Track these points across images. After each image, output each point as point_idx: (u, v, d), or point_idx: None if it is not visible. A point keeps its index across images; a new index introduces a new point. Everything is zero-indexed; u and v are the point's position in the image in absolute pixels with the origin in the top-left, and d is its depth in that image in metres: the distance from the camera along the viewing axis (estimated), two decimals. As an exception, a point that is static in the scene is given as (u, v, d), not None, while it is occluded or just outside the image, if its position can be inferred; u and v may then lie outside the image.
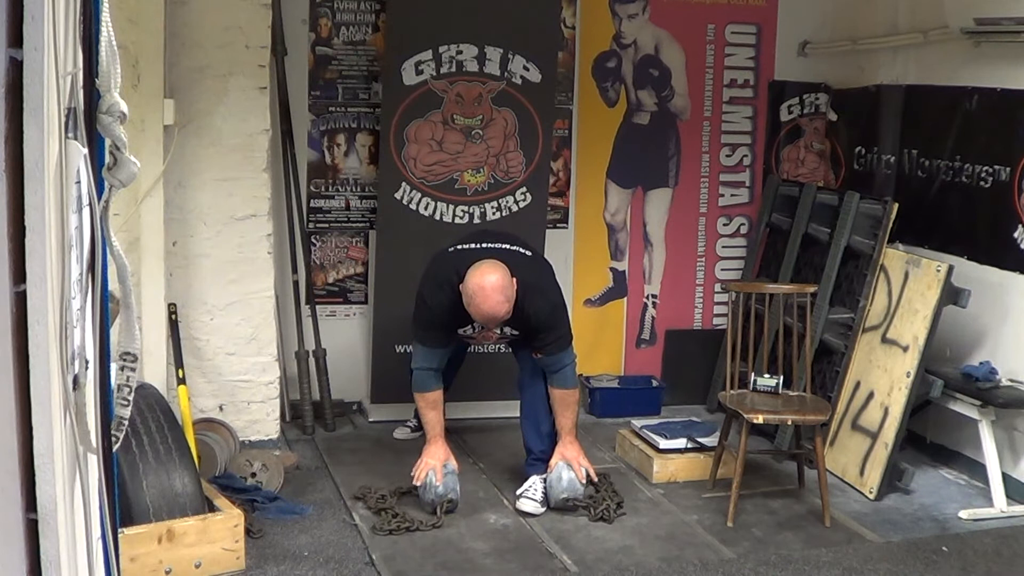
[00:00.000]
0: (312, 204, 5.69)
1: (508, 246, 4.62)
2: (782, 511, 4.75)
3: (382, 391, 5.69)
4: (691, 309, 6.29)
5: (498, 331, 4.61)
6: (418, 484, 4.57)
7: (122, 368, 1.82)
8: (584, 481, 4.65)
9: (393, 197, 5.55)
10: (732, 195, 6.27)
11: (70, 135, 1.61)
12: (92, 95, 1.72)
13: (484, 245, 4.60)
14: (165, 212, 4.78)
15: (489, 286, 4.30)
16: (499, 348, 5.43)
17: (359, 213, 5.77)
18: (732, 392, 4.83)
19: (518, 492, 4.69)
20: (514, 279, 4.40)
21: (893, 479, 4.92)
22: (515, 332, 4.62)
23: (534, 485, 4.67)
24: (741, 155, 6.26)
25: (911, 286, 5.02)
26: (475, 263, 4.41)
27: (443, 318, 4.55)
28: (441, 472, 4.55)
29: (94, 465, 1.84)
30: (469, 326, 4.59)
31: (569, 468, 4.64)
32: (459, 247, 4.64)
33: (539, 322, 4.53)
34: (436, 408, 4.64)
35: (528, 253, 4.67)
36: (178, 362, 4.85)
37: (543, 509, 4.63)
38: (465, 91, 5.54)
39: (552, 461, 4.68)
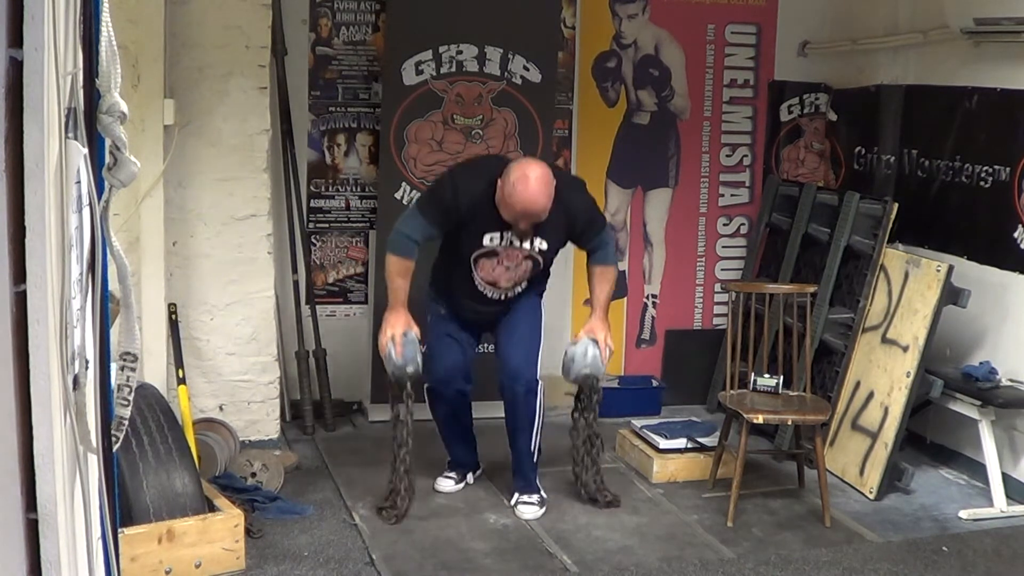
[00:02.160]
0: (312, 204, 5.69)
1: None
2: (782, 511, 4.75)
3: (382, 391, 5.68)
4: (691, 309, 6.29)
5: (527, 245, 4.42)
6: (383, 356, 4.47)
7: (122, 368, 1.83)
8: (606, 362, 4.61)
9: (393, 197, 5.55)
10: (732, 195, 6.27)
11: (70, 135, 1.61)
12: (92, 95, 1.73)
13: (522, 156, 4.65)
14: (165, 212, 4.78)
15: (533, 176, 4.18)
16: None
17: (359, 213, 5.77)
18: (732, 392, 4.83)
19: (512, 501, 4.69)
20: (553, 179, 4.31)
21: (893, 479, 4.92)
22: (543, 246, 4.45)
23: (523, 491, 4.68)
24: (741, 155, 6.26)
25: (911, 286, 5.02)
26: (513, 160, 4.37)
27: (466, 207, 4.32)
28: (400, 343, 4.41)
29: (94, 465, 1.84)
30: (497, 232, 4.37)
31: (595, 344, 4.55)
32: (499, 155, 4.63)
33: (579, 211, 4.46)
34: (406, 276, 4.43)
35: (560, 167, 4.72)
36: (178, 362, 4.85)
37: (542, 510, 4.63)
38: (465, 91, 5.54)
39: (580, 333, 4.63)
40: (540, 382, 4.62)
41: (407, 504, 4.53)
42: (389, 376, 4.48)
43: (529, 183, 4.15)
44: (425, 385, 4.72)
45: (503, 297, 4.55)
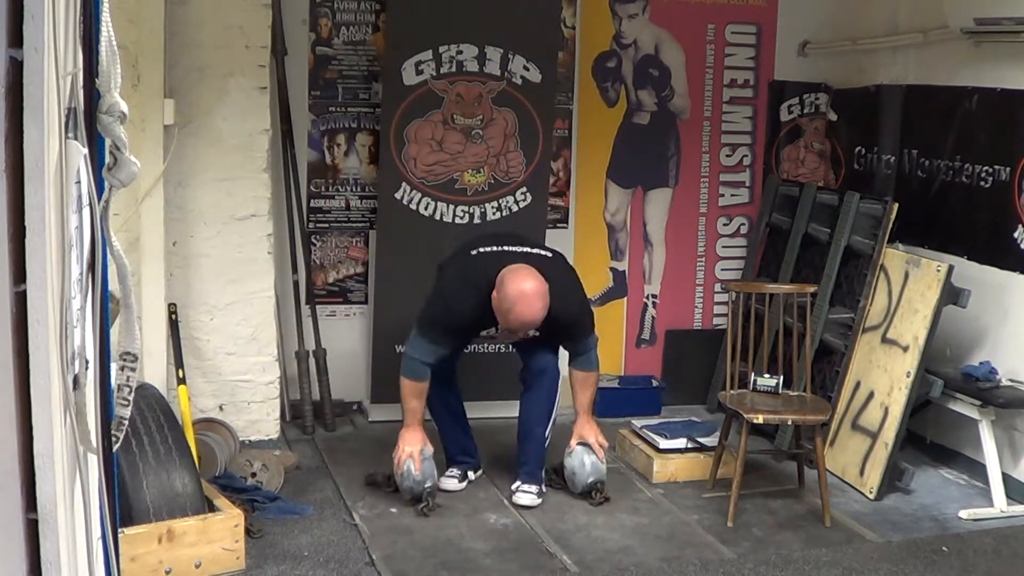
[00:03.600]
0: (312, 204, 5.69)
1: (528, 249, 4.63)
2: (782, 511, 4.75)
3: (382, 391, 5.68)
4: (691, 309, 6.29)
5: (522, 335, 4.62)
6: (398, 471, 4.60)
7: (122, 368, 1.82)
8: (604, 460, 4.75)
9: (393, 197, 5.55)
10: (732, 195, 6.27)
11: (70, 135, 1.61)
12: (92, 95, 1.73)
13: (507, 248, 4.60)
14: (165, 212, 4.79)
15: (531, 292, 4.32)
16: (500, 348, 5.46)
17: (359, 213, 5.77)
18: (732, 392, 4.83)
19: (513, 487, 4.72)
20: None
21: (893, 479, 4.92)
22: (537, 332, 4.60)
23: (526, 481, 4.72)
24: (741, 155, 6.26)
25: (911, 286, 5.02)
26: (505, 268, 4.43)
27: (462, 322, 4.56)
28: (419, 459, 4.58)
29: (94, 465, 1.84)
30: (493, 327, 4.60)
31: (589, 451, 4.72)
32: (482, 250, 4.61)
33: (569, 321, 4.62)
34: (420, 397, 4.62)
35: (547, 254, 4.68)
36: (178, 362, 4.86)
37: (540, 500, 4.67)
38: (465, 91, 5.54)
39: (571, 443, 4.76)
40: (560, 371, 4.78)
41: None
42: (403, 492, 4.61)
43: (528, 302, 4.33)
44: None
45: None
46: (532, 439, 4.74)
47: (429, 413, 4.87)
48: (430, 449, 4.65)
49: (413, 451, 4.58)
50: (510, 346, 4.96)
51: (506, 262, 4.47)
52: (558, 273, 4.59)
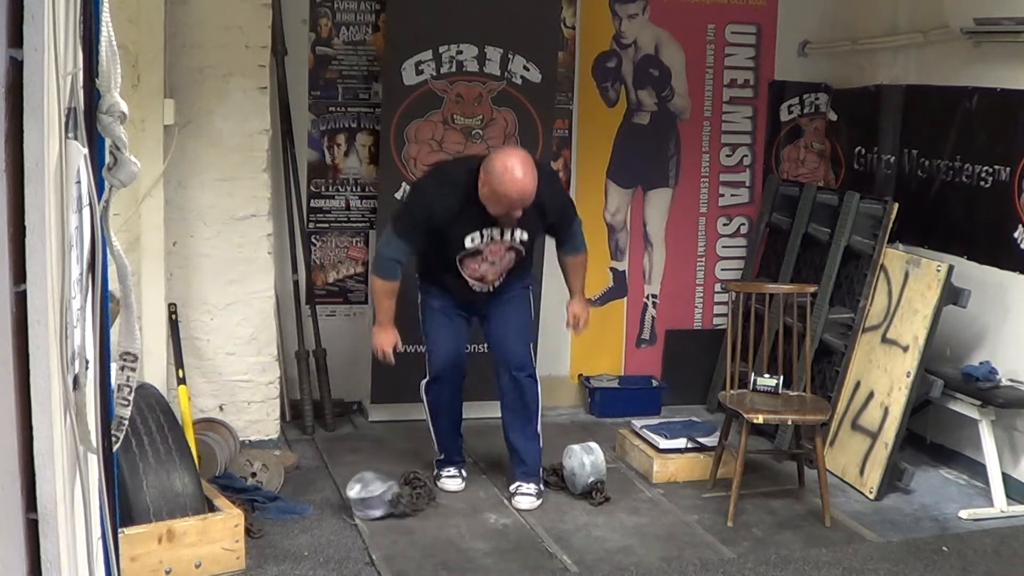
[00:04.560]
0: (312, 204, 5.69)
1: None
2: (782, 511, 4.75)
3: (382, 391, 5.69)
4: (691, 309, 6.29)
5: (509, 236, 4.47)
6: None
7: (122, 368, 1.82)
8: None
9: (393, 197, 5.54)
10: (732, 195, 6.27)
11: (70, 135, 1.61)
12: (92, 95, 1.73)
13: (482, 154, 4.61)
14: (165, 212, 4.78)
15: (519, 163, 4.21)
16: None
17: (359, 213, 5.77)
18: (732, 392, 4.83)
19: (512, 488, 4.72)
20: None
21: (893, 479, 4.92)
22: (524, 236, 4.51)
23: (523, 483, 4.72)
24: (741, 155, 6.26)
25: (911, 286, 5.02)
26: (489, 154, 4.43)
27: (442, 216, 4.37)
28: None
29: (94, 465, 1.84)
30: (477, 232, 4.42)
31: (589, 451, 4.73)
32: (458, 157, 4.68)
33: (559, 203, 4.64)
34: (392, 297, 4.57)
35: None
36: (178, 362, 4.85)
37: (539, 501, 4.68)
38: (465, 91, 5.54)
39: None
40: (536, 371, 4.77)
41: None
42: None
43: (517, 170, 4.20)
44: (424, 381, 4.79)
45: (491, 289, 4.64)
46: (523, 438, 4.73)
47: (430, 416, 4.87)
48: (400, 348, 4.67)
49: (387, 351, 4.59)
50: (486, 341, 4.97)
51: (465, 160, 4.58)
52: (543, 166, 4.68)
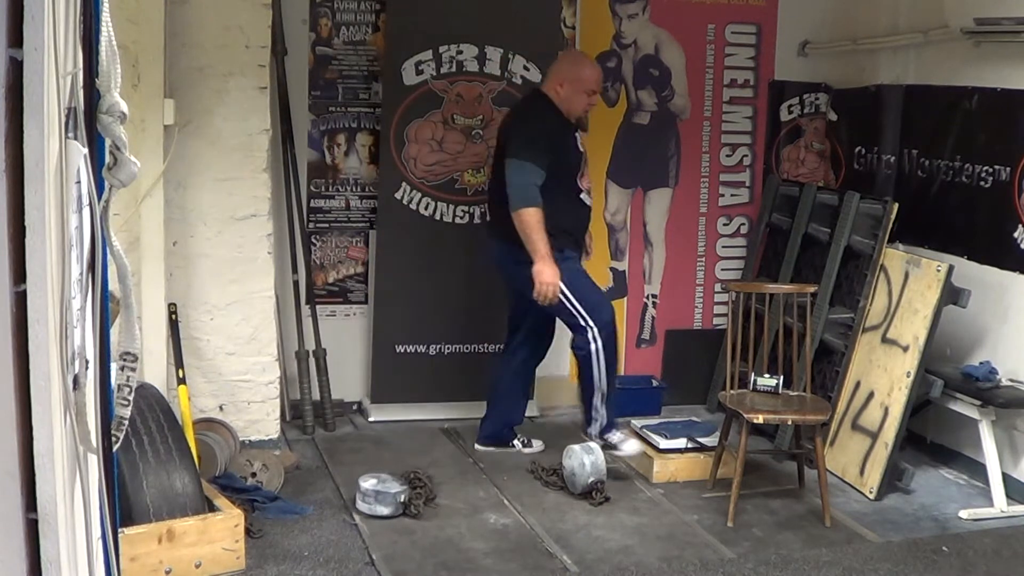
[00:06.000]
0: (312, 204, 5.69)
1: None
2: (782, 511, 4.75)
3: (382, 391, 5.69)
4: (691, 309, 6.29)
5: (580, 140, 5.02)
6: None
7: (122, 368, 1.82)
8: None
9: (393, 197, 5.55)
10: (732, 195, 6.27)
11: (70, 135, 1.61)
12: (92, 95, 1.73)
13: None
14: (165, 212, 4.79)
15: (578, 50, 5.13)
16: (498, 348, 5.53)
17: (359, 213, 5.77)
18: (732, 392, 4.83)
19: (614, 439, 4.95)
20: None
21: (893, 479, 4.92)
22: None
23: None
24: (741, 155, 6.26)
25: (911, 286, 5.02)
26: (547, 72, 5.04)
27: (556, 135, 4.84)
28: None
29: (94, 465, 1.84)
30: (573, 138, 4.94)
31: (589, 451, 4.77)
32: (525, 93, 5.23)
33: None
34: (544, 225, 4.72)
35: None
36: (178, 362, 4.86)
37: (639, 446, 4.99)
38: (465, 91, 5.54)
39: (572, 446, 4.85)
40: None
41: None
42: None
43: (581, 54, 5.10)
44: (602, 336, 4.83)
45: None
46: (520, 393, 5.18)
47: (607, 372, 4.89)
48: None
49: (558, 286, 4.72)
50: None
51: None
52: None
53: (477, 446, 5.26)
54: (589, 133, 6.01)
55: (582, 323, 4.82)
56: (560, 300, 4.77)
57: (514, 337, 5.24)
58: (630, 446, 4.99)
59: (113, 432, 1.91)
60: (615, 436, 4.97)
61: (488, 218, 5.29)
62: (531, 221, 4.69)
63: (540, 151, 4.72)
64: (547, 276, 4.70)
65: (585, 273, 5.01)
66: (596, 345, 4.83)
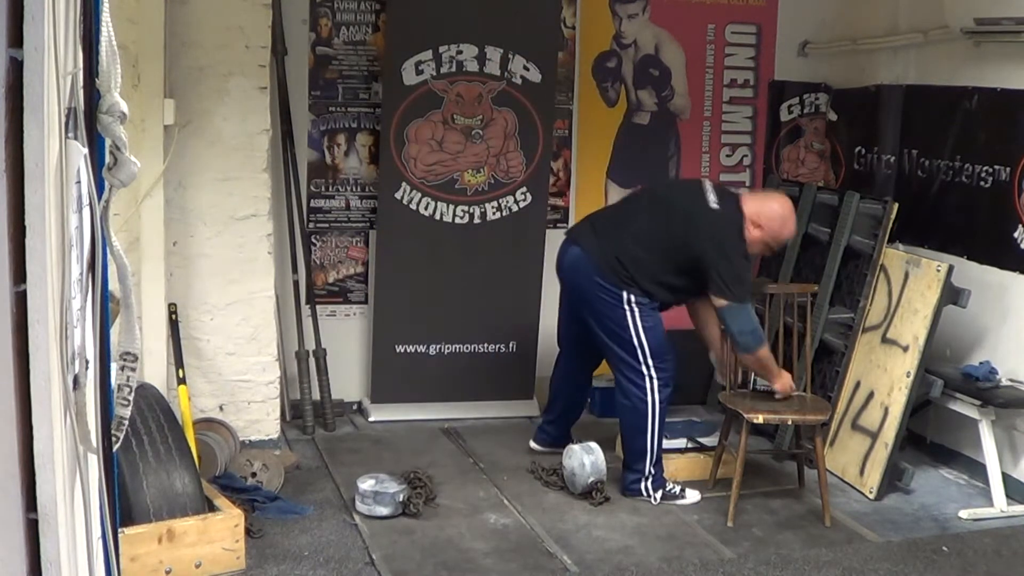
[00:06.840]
0: (312, 204, 5.69)
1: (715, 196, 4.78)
2: (782, 511, 4.75)
3: (382, 391, 5.69)
4: (691, 309, 6.28)
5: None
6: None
7: (122, 368, 1.83)
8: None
9: (393, 197, 5.55)
10: (732, 195, 6.26)
11: (70, 135, 1.61)
12: (92, 95, 1.73)
13: (710, 197, 4.70)
14: (165, 212, 4.79)
15: (791, 206, 4.74)
16: (500, 349, 5.65)
17: (359, 213, 5.77)
18: (732, 392, 4.83)
19: (672, 490, 4.77)
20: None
21: (893, 479, 4.92)
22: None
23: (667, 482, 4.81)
24: (741, 155, 6.26)
25: (911, 286, 5.02)
26: (742, 199, 4.71)
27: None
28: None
29: (94, 465, 1.84)
30: None
31: (589, 451, 4.75)
32: (712, 206, 4.64)
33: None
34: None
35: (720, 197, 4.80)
36: (178, 362, 4.85)
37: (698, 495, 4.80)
38: (465, 91, 5.53)
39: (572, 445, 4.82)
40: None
41: None
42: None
43: (792, 212, 4.72)
44: (656, 396, 4.71)
45: None
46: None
47: (658, 426, 4.73)
48: None
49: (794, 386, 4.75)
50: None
51: (726, 196, 4.72)
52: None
53: (534, 445, 5.24)
54: (588, 133, 6.03)
55: (642, 369, 4.69)
56: (630, 340, 4.68)
57: (566, 352, 5.18)
58: (692, 494, 4.78)
59: (113, 432, 1.92)
60: (673, 488, 4.79)
61: (588, 235, 4.83)
62: (764, 357, 4.68)
63: (748, 284, 4.68)
64: (788, 383, 4.73)
65: (660, 327, 4.76)
66: (653, 396, 4.69)
